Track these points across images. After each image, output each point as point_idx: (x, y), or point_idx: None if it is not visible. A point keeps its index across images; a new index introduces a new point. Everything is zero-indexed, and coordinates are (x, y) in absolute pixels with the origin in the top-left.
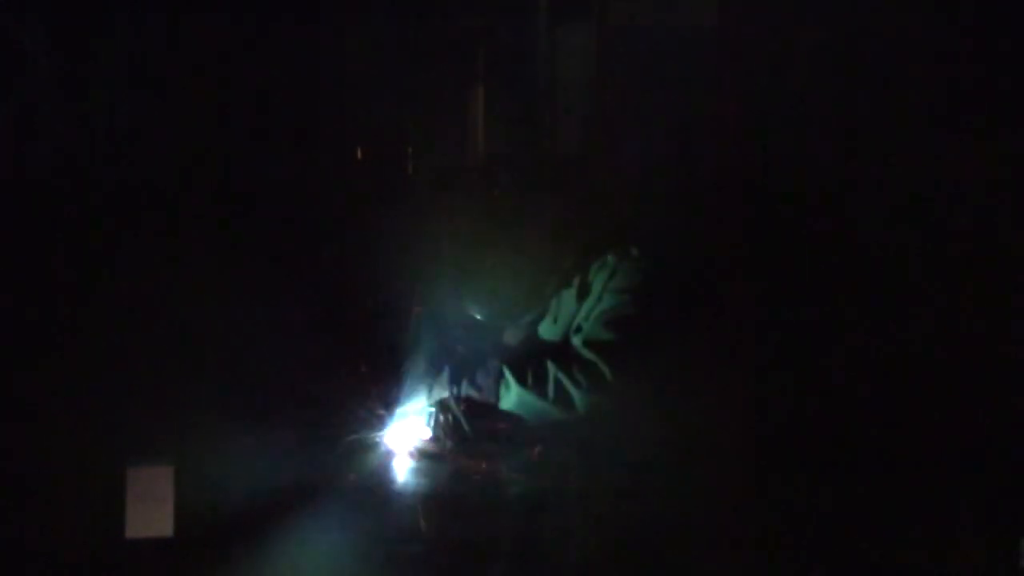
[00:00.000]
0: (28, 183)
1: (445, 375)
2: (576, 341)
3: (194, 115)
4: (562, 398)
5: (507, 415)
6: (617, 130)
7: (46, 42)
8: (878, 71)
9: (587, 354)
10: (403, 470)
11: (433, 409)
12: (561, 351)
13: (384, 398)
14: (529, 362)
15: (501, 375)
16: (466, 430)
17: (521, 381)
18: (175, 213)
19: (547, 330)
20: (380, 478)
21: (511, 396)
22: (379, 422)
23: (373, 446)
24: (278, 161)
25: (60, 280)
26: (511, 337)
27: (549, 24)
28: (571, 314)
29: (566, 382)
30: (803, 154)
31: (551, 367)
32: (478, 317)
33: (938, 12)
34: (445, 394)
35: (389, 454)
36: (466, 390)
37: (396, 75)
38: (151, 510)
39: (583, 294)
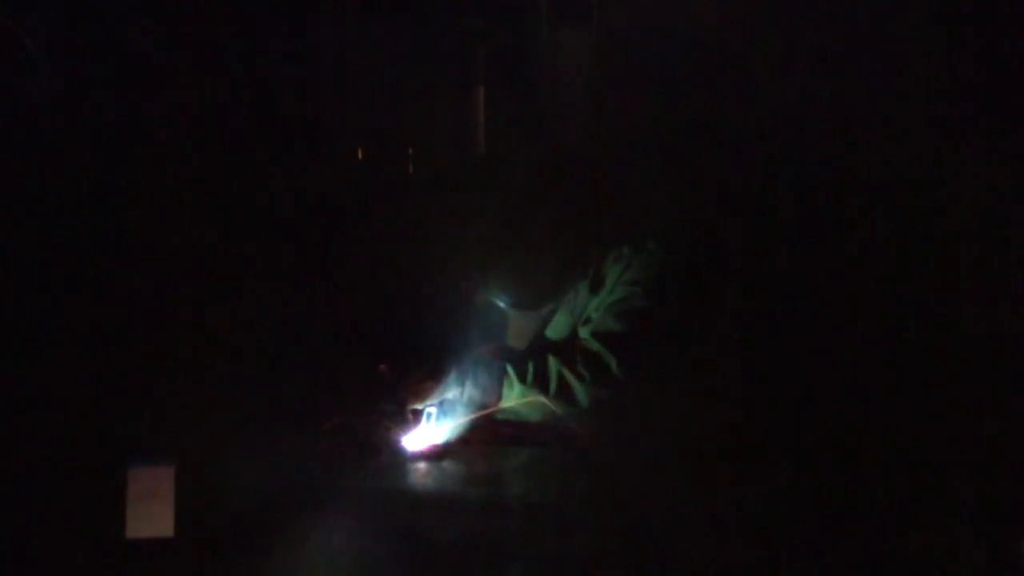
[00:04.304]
0: (28, 182)
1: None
2: (583, 332)
3: (193, 115)
4: (564, 393)
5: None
6: (617, 130)
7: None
8: (878, 71)
9: (593, 345)
10: (405, 470)
11: (434, 409)
12: (565, 346)
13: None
14: (532, 358)
15: (504, 372)
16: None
17: (523, 378)
18: (176, 212)
19: (563, 320)
20: (382, 478)
21: (514, 393)
22: (388, 421)
23: (375, 445)
24: (278, 159)
25: (61, 279)
26: (523, 330)
27: (549, 24)
28: (583, 305)
29: (569, 377)
30: (803, 154)
31: (553, 362)
32: (503, 306)
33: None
34: (448, 395)
35: (391, 454)
36: (470, 389)
37: (396, 75)
38: (151, 510)
39: (597, 286)
